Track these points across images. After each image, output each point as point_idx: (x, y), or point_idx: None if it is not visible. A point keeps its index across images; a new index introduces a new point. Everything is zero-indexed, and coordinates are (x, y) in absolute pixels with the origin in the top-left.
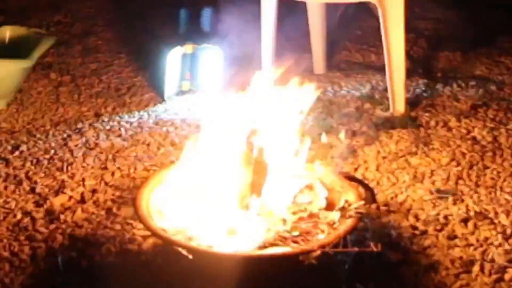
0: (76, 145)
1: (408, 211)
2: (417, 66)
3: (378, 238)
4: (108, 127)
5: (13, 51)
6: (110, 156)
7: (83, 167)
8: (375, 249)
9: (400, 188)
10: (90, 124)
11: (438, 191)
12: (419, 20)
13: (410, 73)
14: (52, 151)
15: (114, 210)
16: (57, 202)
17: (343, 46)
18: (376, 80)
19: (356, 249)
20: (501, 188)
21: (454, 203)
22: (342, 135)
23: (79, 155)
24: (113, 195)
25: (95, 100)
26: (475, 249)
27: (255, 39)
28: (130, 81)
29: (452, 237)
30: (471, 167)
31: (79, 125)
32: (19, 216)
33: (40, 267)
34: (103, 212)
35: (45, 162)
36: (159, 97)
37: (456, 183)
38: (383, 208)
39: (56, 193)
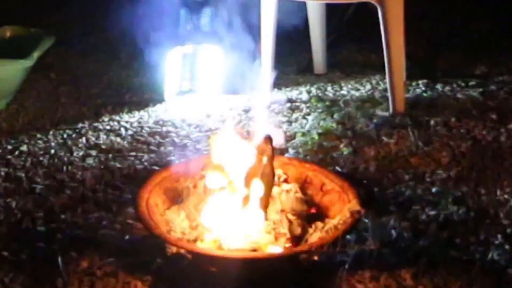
0: (76, 145)
1: (408, 211)
2: (417, 66)
3: (378, 238)
4: (108, 127)
5: (13, 51)
6: (110, 156)
7: (83, 167)
8: (373, 247)
9: (400, 188)
10: (90, 124)
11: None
12: (419, 20)
13: (410, 73)
14: (52, 151)
15: (114, 210)
16: (57, 202)
17: (343, 46)
18: (376, 80)
19: (354, 247)
20: (501, 188)
21: (454, 203)
22: None
23: (79, 155)
24: (113, 195)
25: (95, 100)
26: (475, 249)
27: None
28: (130, 81)
29: (452, 237)
30: (471, 167)
31: (79, 125)
32: (19, 216)
33: (40, 267)
34: (103, 212)
35: (45, 162)
36: (159, 97)
37: (456, 183)
38: (382, 208)
39: (56, 193)
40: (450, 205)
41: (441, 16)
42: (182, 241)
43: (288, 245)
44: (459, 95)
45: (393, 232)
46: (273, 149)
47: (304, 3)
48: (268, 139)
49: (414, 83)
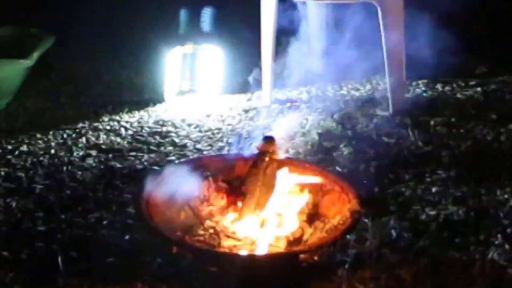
0: (76, 145)
1: (408, 211)
2: (417, 66)
3: (378, 238)
4: (108, 127)
5: (13, 51)
6: (110, 156)
7: (83, 167)
8: (373, 247)
9: (400, 188)
10: (90, 124)
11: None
12: (419, 20)
13: (410, 73)
14: (52, 151)
15: (114, 210)
16: (58, 202)
17: (343, 46)
18: (376, 80)
19: (354, 247)
20: (501, 188)
21: (454, 203)
22: None
23: (79, 155)
24: (113, 195)
25: (95, 100)
26: (475, 249)
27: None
28: (130, 81)
29: (452, 237)
30: (471, 167)
31: (79, 125)
32: (19, 216)
33: (40, 267)
34: (103, 212)
35: (45, 162)
36: (159, 97)
37: (456, 183)
38: (382, 208)
39: (56, 193)
40: (450, 205)
41: (441, 16)
42: (182, 241)
43: (288, 245)
44: (459, 95)
45: (393, 232)
46: (276, 150)
47: (304, 3)
48: (271, 140)
49: (414, 83)
